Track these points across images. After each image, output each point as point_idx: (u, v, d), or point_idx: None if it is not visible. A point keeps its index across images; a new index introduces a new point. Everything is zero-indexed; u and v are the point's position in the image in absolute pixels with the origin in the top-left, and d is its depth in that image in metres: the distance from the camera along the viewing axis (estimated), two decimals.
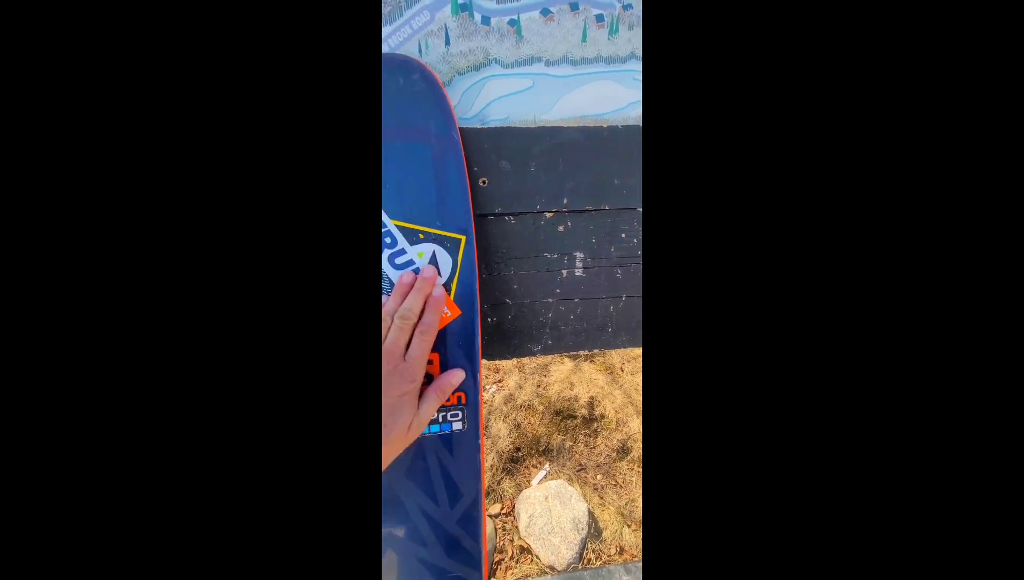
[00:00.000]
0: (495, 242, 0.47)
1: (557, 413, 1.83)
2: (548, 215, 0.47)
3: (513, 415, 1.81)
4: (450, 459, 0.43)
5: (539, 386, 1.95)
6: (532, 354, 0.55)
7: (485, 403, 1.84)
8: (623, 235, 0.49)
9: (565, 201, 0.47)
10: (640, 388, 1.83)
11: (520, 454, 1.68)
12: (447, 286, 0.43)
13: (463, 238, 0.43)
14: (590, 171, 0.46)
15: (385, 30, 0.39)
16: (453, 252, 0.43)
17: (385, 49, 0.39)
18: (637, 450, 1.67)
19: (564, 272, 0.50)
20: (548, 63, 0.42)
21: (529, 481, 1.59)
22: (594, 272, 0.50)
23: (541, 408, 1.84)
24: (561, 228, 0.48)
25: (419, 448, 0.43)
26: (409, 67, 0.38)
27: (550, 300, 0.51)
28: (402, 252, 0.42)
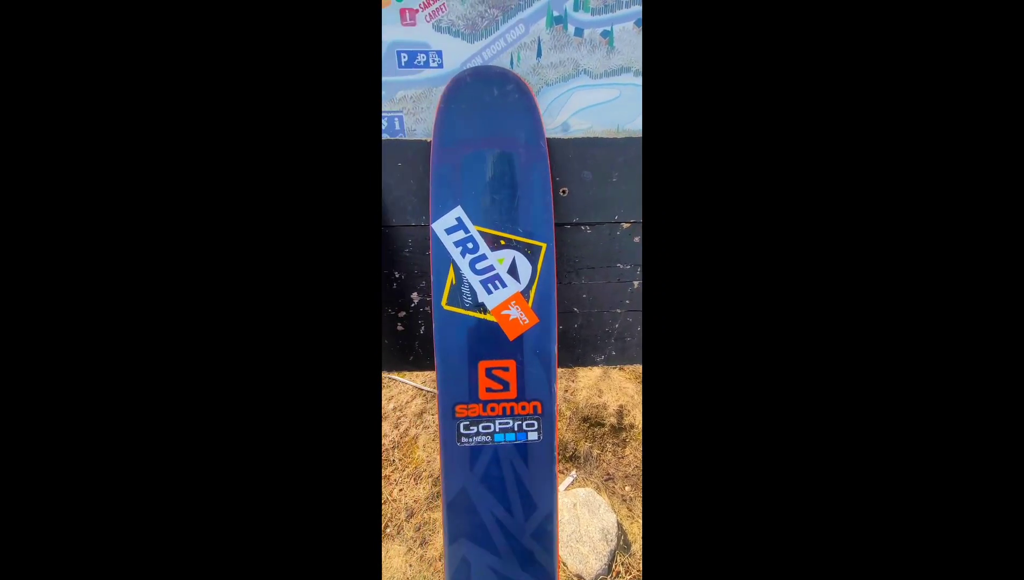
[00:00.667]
0: (568, 251, 0.47)
1: (584, 419, 1.81)
2: (625, 225, 0.47)
3: None
4: (525, 469, 0.43)
5: (566, 391, 1.93)
6: (594, 364, 0.54)
7: None
8: None
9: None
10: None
11: None
12: (526, 293, 0.43)
13: (544, 246, 0.43)
14: None
15: (480, 43, 0.39)
16: (533, 259, 0.43)
17: (479, 62, 0.40)
18: None
19: (636, 283, 0.49)
20: (637, 73, 0.41)
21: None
22: None
23: (568, 414, 1.83)
24: (637, 238, 0.47)
25: (494, 455, 0.43)
26: (505, 78, 0.39)
27: (618, 311, 0.51)
28: (483, 257, 0.42)
